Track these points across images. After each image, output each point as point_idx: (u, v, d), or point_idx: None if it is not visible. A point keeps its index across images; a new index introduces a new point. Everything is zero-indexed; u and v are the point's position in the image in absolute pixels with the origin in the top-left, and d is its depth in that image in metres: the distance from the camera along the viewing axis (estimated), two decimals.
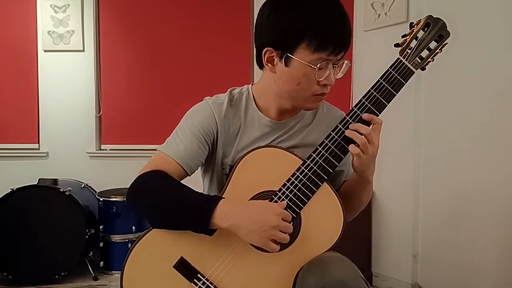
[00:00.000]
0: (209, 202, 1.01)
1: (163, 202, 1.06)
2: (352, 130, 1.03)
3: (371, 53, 2.64)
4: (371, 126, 1.05)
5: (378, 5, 2.60)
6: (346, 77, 2.86)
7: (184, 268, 1.05)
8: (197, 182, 1.27)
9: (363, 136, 1.01)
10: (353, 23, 2.77)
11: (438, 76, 2.31)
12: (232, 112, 1.17)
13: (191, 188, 1.07)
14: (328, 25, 1.02)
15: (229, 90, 1.23)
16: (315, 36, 1.01)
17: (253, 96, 1.20)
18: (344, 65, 1.10)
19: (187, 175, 1.15)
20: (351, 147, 1.03)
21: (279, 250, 1.03)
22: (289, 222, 1.01)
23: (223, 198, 1.04)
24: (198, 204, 1.01)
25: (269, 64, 1.10)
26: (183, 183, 1.10)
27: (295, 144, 1.18)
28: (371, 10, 2.64)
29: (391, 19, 2.53)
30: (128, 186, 1.11)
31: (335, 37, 1.03)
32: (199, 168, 1.24)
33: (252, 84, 1.23)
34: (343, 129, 1.04)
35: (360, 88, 2.74)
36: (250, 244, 1.03)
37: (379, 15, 2.60)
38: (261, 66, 1.17)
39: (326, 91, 1.10)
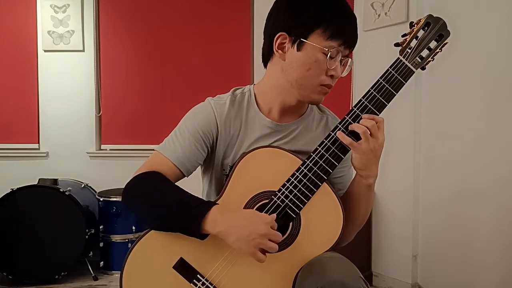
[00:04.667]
0: (202, 207, 1.02)
1: (156, 204, 1.06)
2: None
3: (371, 53, 2.64)
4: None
5: (378, 5, 2.60)
6: (346, 77, 2.86)
7: (184, 268, 1.05)
8: (197, 182, 1.27)
9: (365, 127, 1.00)
10: None
11: (438, 76, 2.30)
12: (234, 112, 1.17)
13: (185, 191, 1.07)
14: (343, 19, 1.09)
15: (232, 90, 1.22)
16: (331, 24, 1.06)
17: (255, 96, 1.20)
18: (349, 63, 1.13)
19: (184, 176, 1.14)
20: (342, 135, 1.02)
21: (279, 250, 1.03)
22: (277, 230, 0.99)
23: (217, 204, 1.04)
24: (191, 209, 1.02)
25: (279, 51, 1.11)
26: (182, 184, 1.10)
27: (296, 149, 1.16)
28: (371, 10, 2.64)
29: (391, 19, 2.53)
30: None
31: (348, 30, 1.09)
32: (200, 168, 1.24)
33: (254, 85, 1.23)
34: (342, 129, 1.04)
35: (360, 88, 2.74)
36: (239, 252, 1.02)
37: (379, 15, 2.60)
38: (268, 57, 1.17)
39: (332, 83, 1.12)
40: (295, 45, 1.08)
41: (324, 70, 1.08)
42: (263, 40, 1.18)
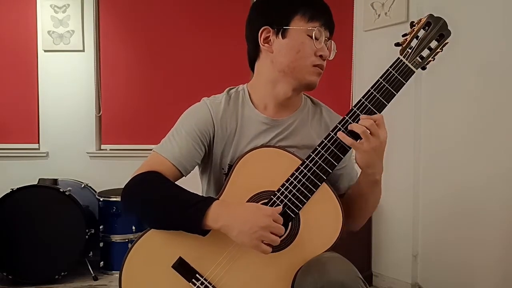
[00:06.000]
0: (203, 203, 1.02)
1: (156, 203, 1.06)
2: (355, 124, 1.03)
3: (371, 53, 2.64)
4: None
5: (378, 5, 2.60)
6: (346, 77, 2.87)
7: (183, 268, 1.05)
8: (196, 183, 1.27)
9: (364, 126, 1.00)
10: (353, 23, 2.77)
11: (438, 75, 2.30)
12: (230, 111, 1.17)
13: (185, 189, 1.07)
14: (317, 2, 1.15)
15: (226, 89, 1.23)
16: (308, 7, 1.11)
17: (249, 94, 1.20)
18: (333, 47, 1.17)
19: (182, 176, 1.15)
20: (343, 135, 1.02)
21: (278, 250, 1.03)
22: (281, 224, 1.00)
23: (217, 199, 1.04)
24: (191, 205, 1.01)
25: (266, 45, 1.15)
26: (181, 184, 1.10)
27: (294, 144, 1.17)
28: (371, 10, 2.64)
29: (391, 19, 2.53)
30: None
31: (325, 12, 1.14)
32: (198, 168, 1.24)
33: (247, 84, 1.24)
34: (342, 129, 1.04)
35: (360, 88, 2.74)
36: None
37: (379, 15, 2.60)
38: (255, 56, 1.20)
39: (324, 63, 1.15)
40: (280, 34, 1.13)
41: (312, 51, 1.12)
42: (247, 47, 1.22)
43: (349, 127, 1.03)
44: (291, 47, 1.12)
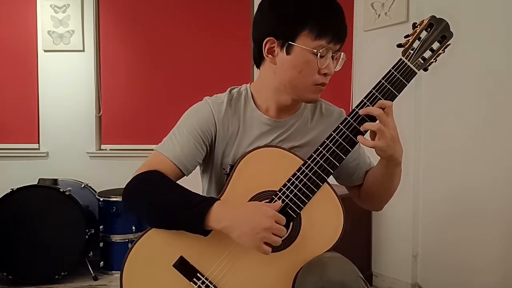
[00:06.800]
0: (204, 203, 1.02)
1: (158, 202, 1.06)
2: (364, 115, 1.03)
3: (371, 53, 2.64)
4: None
5: (378, 5, 2.60)
6: (346, 77, 2.87)
7: (184, 267, 1.05)
8: (197, 182, 1.27)
9: (376, 122, 1.01)
10: (353, 23, 2.77)
11: (438, 76, 2.30)
12: (232, 111, 1.17)
13: (186, 189, 1.07)
14: (328, 14, 1.07)
15: (228, 89, 1.23)
16: (316, 23, 1.05)
17: (252, 95, 1.20)
18: (341, 57, 1.13)
19: (183, 175, 1.14)
20: (363, 140, 1.03)
21: (279, 250, 1.04)
22: (284, 225, 1.00)
23: (219, 199, 1.04)
24: (193, 205, 1.01)
25: (269, 56, 1.11)
26: (182, 183, 1.10)
27: (296, 144, 1.18)
28: (371, 10, 2.64)
29: (391, 19, 2.53)
30: None
31: (334, 25, 1.07)
32: (199, 168, 1.24)
33: (250, 83, 1.23)
34: (344, 129, 1.04)
35: (360, 88, 2.74)
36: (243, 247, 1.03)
37: (379, 15, 2.60)
38: (259, 61, 1.17)
39: (326, 81, 1.12)
40: (284, 48, 1.08)
41: (316, 70, 1.08)
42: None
43: (363, 128, 1.02)
44: (294, 65, 1.08)
